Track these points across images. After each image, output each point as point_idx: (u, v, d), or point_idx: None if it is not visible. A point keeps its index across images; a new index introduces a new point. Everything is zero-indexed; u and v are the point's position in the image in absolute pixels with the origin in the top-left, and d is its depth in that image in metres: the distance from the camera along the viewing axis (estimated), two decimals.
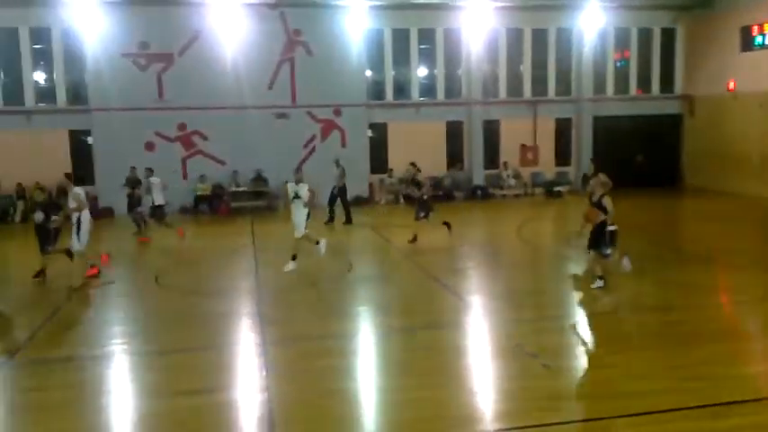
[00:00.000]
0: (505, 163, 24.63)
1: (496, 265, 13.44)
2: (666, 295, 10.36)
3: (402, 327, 9.05)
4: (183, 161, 22.15)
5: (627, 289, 10.55)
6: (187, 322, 9.46)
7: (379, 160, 23.97)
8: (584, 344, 8.34)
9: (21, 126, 21.10)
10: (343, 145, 23.24)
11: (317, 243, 12.63)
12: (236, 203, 21.83)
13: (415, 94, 24.41)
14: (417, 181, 15.47)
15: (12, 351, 8.28)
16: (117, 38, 21.13)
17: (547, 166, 25.40)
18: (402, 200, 22.45)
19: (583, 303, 10.04)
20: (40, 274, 12.03)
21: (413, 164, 16.95)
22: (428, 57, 24.53)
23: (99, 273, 12.38)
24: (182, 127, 22.06)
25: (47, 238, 11.90)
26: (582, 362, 7.62)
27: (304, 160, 22.70)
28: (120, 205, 20.48)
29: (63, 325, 9.59)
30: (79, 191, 12.32)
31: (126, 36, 21.22)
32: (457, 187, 24.31)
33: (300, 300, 10.65)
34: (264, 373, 7.22)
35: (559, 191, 24.36)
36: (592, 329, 8.85)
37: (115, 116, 21.27)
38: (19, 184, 20.82)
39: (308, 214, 12.35)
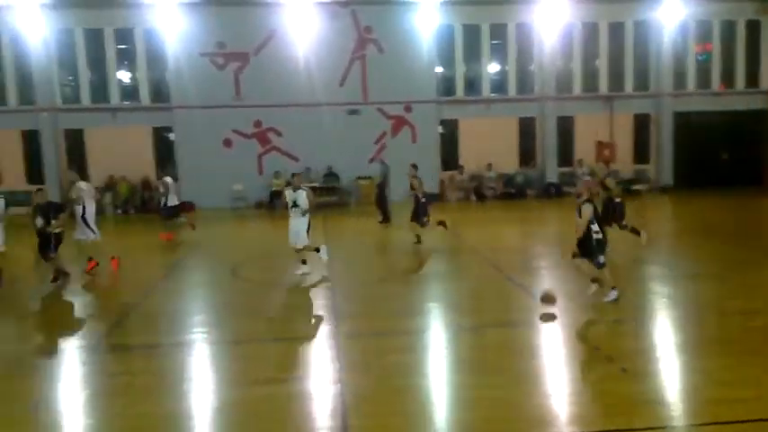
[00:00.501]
0: (580, 160, 24.05)
1: (571, 265, 13.15)
2: (752, 299, 9.88)
3: (473, 325, 8.99)
4: (259, 157, 22.73)
5: (710, 292, 10.13)
6: (263, 313, 9.71)
7: (449, 157, 23.87)
8: (665, 348, 8.06)
9: (107, 123, 22.18)
10: (414, 141, 23.28)
11: (317, 251, 12.11)
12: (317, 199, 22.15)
13: (486, 90, 24.16)
14: (411, 184, 15.22)
15: (100, 337, 8.73)
16: (196, 38, 21.87)
17: (624, 163, 24.65)
18: (474, 197, 22.29)
19: (662, 306, 9.70)
20: (58, 278, 11.56)
21: (413, 165, 16.68)
22: (500, 52, 24.23)
23: (97, 265, 12.37)
24: (257, 124, 22.63)
25: (47, 243, 11.37)
26: (663, 366, 7.35)
27: (374, 157, 22.90)
28: (202, 199, 21.29)
29: (147, 313, 10.02)
30: (82, 185, 12.65)
31: (204, 36, 21.94)
32: (529, 185, 23.93)
33: (372, 295, 10.74)
34: (337, 366, 7.33)
35: (638, 189, 23.58)
36: (672, 333, 8.55)
37: (195, 114, 22.05)
38: (110, 177, 21.89)
39: (309, 223, 11.77)
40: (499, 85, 24.42)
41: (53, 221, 11.23)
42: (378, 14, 22.71)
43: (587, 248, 9.48)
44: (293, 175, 12.14)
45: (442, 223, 15.14)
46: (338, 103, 22.60)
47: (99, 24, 22.17)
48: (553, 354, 7.92)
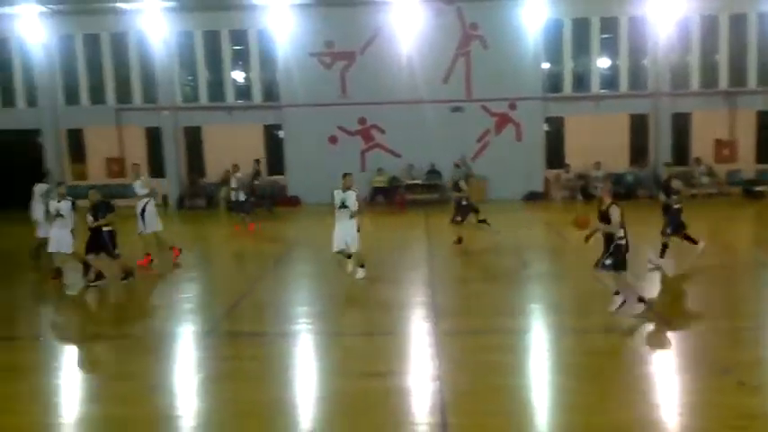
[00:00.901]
0: (697, 159, 22.73)
1: (686, 269, 12.51)
2: None
3: (577, 328, 8.78)
4: (362, 154, 23.13)
5: None
6: (366, 307, 9.93)
7: (555, 155, 23.30)
8: None
9: (223, 121, 23.31)
10: (518, 139, 22.91)
11: (362, 266, 11.36)
12: (411, 196, 22.37)
13: (595, 86, 23.35)
14: (459, 187, 14.80)
15: (213, 323, 9.25)
16: (305, 38, 22.56)
17: (746, 162, 23.07)
18: (580, 196, 21.65)
19: None
20: (100, 277, 11.46)
21: (457, 165, 16.04)
22: (610, 47, 23.34)
23: (151, 262, 13.09)
24: (362, 121, 23.04)
25: (97, 242, 11.29)
26: None
27: (477, 154, 22.76)
28: (307, 195, 21.97)
29: (256, 303, 10.50)
30: (148, 180, 13.30)
31: (313, 36, 22.58)
32: (640, 185, 22.91)
33: (474, 293, 10.71)
34: (437, 363, 7.39)
35: (761, 191, 22.00)
36: None
37: (302, 112, 22.78)
38: (226, 172, 23.02)
39: (358, 227, 11.27)
40: (609, 80, 23.53)
41: (100, 219, 11.20)
42: (484, 11, 22.49)
43: (616, 257, 8.75)
44: (344, 175, 11.50)
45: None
46: (441, 100, 22.61)
47: (216, 26, 23.33)
48: (663, 362, 7.59)
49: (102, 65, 23.61)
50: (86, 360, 8.37)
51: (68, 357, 8.51)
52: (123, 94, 23.78)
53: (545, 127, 23.24)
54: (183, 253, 13.49)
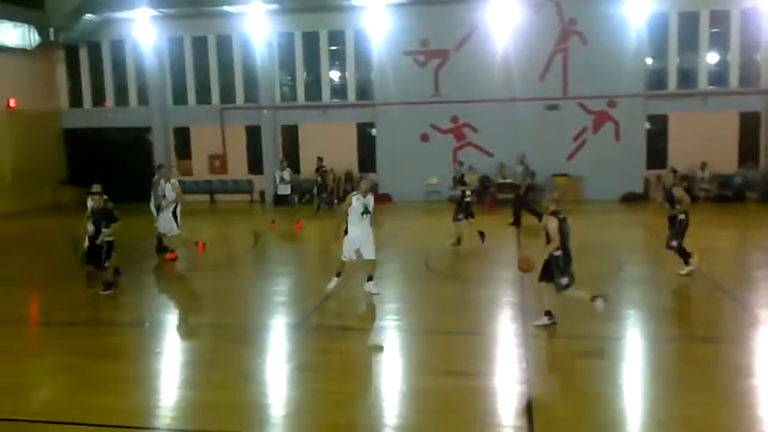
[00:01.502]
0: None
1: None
2: None
3: (675, 336, 8.40)
4: (454, 152, 23.04)
5: None
6: (453, 306, 9.91)
7: (656, 155, 22.30)
8: None
9: (318, 119, 23.89)
10: (617, 138, 22.11)
11: (369, 279, 10.43)
12: (502, 195, 22.05)
13: (702, 83, 22.16)
14: (464, 181, 14.30)
15: (304, 316, 9.53)
16: (400, 37, 22.72)
17: None
18: (659, 199, 20.60)
19: None
20: (111, 286, 10.99)
21: (461, 162, 15.41)
22: (719, 41, 22.06)
23: (177, 258, 13.42)
24: (454, 119, 22.96)
25: (98, 253, 10.69)
26: None
27: (573, 153, 22.17)
28: (398, 192, 22.15)
29: (345, 298, 10.70)
30: (175, 182, 13.42)
31: (408, 35, 22.71)
32: (749, 187, 21.54)
33: (564, 295, 10.44)
34: (525, 365, 7.28)
35: None
36: None
37: (395, 110, 22.97)
38: (317, 170, 23.61)
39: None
40: (718, 76, 22.25)
41: (104, 230, 10.54)
42: (584, 5, 21.84)
43: (550, 268, 8.29)
44: (361, 179, 11.08)
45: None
46: (536, 98, 22.15)
47: (315, 27, 23.93)
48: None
49: (207, 66, 24.77)
50: (186, 347, 8.85)
51: (170, 343, 9.02)
52: (227, 94, 24.83)
53: (646, 125, 22.28)
54: (276, 248, 13.94)
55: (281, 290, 11.63)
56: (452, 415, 6.16)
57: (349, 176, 23.83)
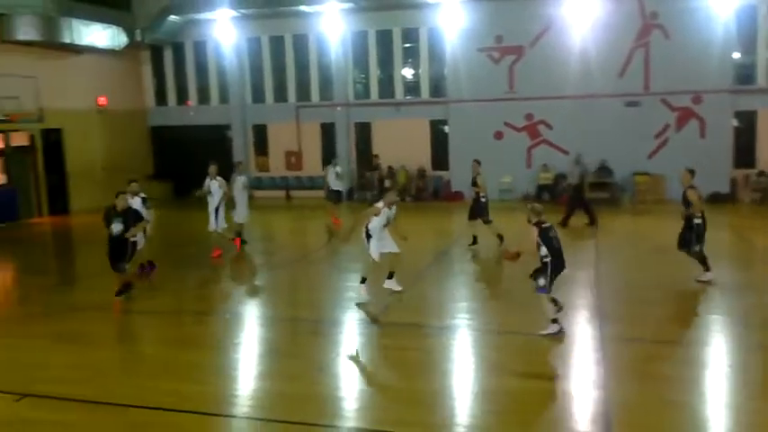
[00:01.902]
0: None
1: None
2: None
3: (762, 343, 7.99)
4: (528, 150, 22.68)
5: None
6: (526, 306, 9.76)
7: (745, 153, 21.24)
8: None
9: (391, 116, 24.02)
10: (702, 135, 21.19)
11: (391, 277, 10.43)
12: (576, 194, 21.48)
13: None
14: (476, 182, 14.02)
15: (376, 313, 9.63)
16: (474, 34, 22.52)
17: None
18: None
19: None
20: (123, 291, 10.52)
21: (477, 161, 14.75)
22: None
23: (221, 255, 13.64)
24: (529, 117, 22.58)
25: (122, 252, 10.26)
26: None
27: (655, 151, 21.41)
28: (470, 190, 21.92)
29: (418, 295, 10.75)
30: (223, 181, 13.52)
31: (482, 31, 22.48)
32: None
33: (644, 299, 10.12)
34: (602, 370, 7.11)
35: None
36: None
37: (469, 107, 22.80)
38: (389, 167, 23.78)
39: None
40: None
41: (132, 229, 10.23)
42: None
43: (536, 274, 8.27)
44: (386, 190, 11.02)
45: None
46: (615, 94, 21.47)
47: (388, 26, 24.03)
48: None
49: (284, 65, 25.33)
50: (263, 338, 9.12)
51: (248, 334, 9.32)
52: (302, 92, 25.32)
53: (734, 122, 21.25)
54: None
55: (354, 285, 11.77)
56: (525, 417, 6.10)
57: (422, 174, 23.86)
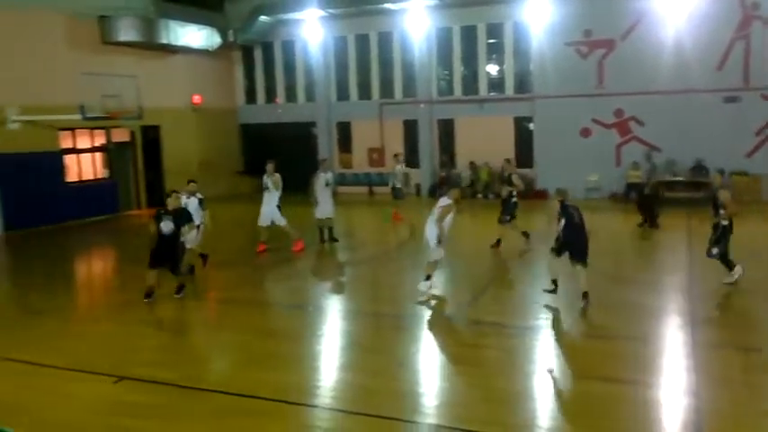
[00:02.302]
0: None
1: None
2: None
3: None
4: (617, 147, 21.93)
5: None
6: (613, 309, 9.49)
7: None
8: None
9: (474, 113, 23.83)
10: None
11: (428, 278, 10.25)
12: (671, 194, 20.64)
13: None
14: (511, 181, 13.32)
15: (458, 310, 9.61)
16: (562, 28, 21.97)
17: None
18: None
19: None
20: (150, 294, 10.14)
21: (507, 160, 13.79)
22: None
23: (302, 250, 13.90)
24: (618, 113, 21.83)
25: (172, 252, 10.05)
26: None
27: (754, 150, 20.24)
28: (555, 188, 21.42)
29: (500, 293, 10.66)
30: (278, 179, 13.60)
31: (570, 25, 21.90)
32: None
33: (740, 305, 9.63)
34: (692, 377, 6.81)
35: None
36: None
37: (555, 103, 22.29)
38: (471, 163, 23.64)
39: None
40: None
41: (183, 228, 10.06)
42: None
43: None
44: (450, 187, 10.89)
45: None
46: (712, 89, 20.41)
47: (473, 21, 23.82)
48: None
49: (369, 63, 25.60)
50: (345, 331, 9.28)
51: (330, 327, 9.52)
52: (386, 89, 25.52)
53: None
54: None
55: (436, 282, 11.78)
56: (609, 423, 5.93)
57: (445, 170, 23.60)
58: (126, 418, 6.17)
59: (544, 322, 9.06)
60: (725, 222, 10.09)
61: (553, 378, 7.11)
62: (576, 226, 9.41)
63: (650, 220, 15.89)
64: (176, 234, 9.99)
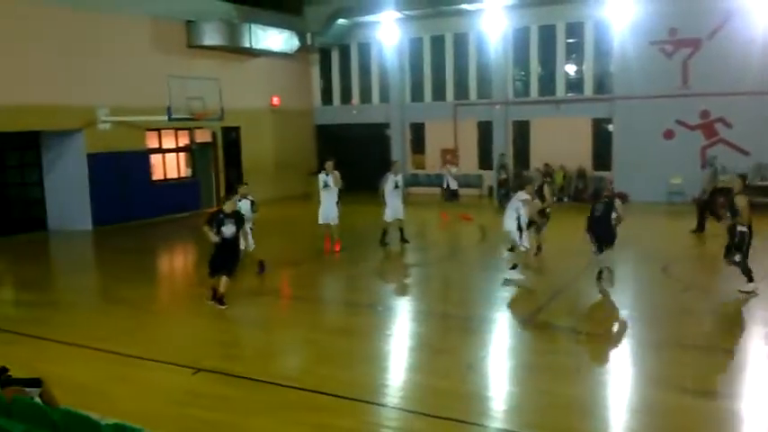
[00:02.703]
0: None
1: None
2: None
3: None
4: (702, 150, 20.98)
5: None
6: (693, 318, 9.11)
7: None
8: None
9: (551, 114, 23.36)
10: None
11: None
12: (761, 198, 19.50)
13: None
14: (542, 192, 12.62)
15: (529, 314, 9.45)
16: (646, 26, 21.23)
17: None
18: None
19: None
20: (218, 296, 9.94)
21: (539, 169, 12.91)
22: None
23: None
24: (704, 114, 20.89)
25: (234, 256, 9.97)
26: None
27: None
28: (636, 192, 20.75)
29: (572, 299, 10.40)
30: (338, 177, 13.72)
31: (655, 23, 21.12)
32: None
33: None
34: None
35: None
36: None
37: (636, 104, 21.56)
38: (546, 165, 23.17)
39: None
40: None
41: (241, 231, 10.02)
42: None
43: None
44: (526, 179, 11.55)
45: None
46: None
47: (551, 21, 23.36)
48: None
49: (444, 64, 25.54)
50: (413, 332, 9.30)
51: (399, 327, 9.56)
52: (460, 90, 25.39)
53: None
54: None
55: (509, 285, 11.64)
56: None
57: (582, 174, 22.98)
58: (200, 409, 6.40)
59: (618, 329, 8.80)
60: (743, 229, 9.74)
61: (626, 387, 6.89)
62: (596, 219, 10.41)
63: (700, 225, 15.46)
64: (237, 237, 10.00)
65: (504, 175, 21.98)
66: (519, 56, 24.29)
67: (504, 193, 21.03)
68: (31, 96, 16.61)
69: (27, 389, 5.33)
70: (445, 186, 18.77)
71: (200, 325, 9.41)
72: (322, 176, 13.99)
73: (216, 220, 9.76)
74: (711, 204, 15.57)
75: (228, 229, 9.75)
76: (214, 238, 9.64)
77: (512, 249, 11.94)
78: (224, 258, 9.78)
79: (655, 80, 21.16)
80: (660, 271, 11.97)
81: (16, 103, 16.25)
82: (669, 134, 21.35)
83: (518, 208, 11.03)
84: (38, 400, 5.14)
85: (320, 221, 14.03)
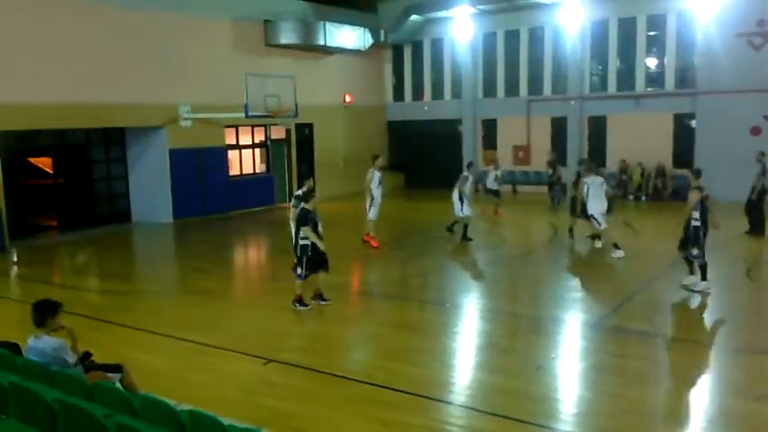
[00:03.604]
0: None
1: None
2: None
3: None
4: None
5: None
6: None
7: None
8: None
9: (629, 110, 22.63)
10: None
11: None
12: None
13: None
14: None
15: (603, 316, 9.22)
16: (732, 18, 20.24)
17: None
18: None
19: None
20: (318, 293, 10.00)
21: (623, 161, 12.03)
22: None
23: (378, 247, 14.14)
24: None
25: (324, 253, 9.63)
26: None
27: None
28: (722, 192, 19.79)
29: (648, 301, 10.08)
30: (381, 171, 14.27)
31: (742, 15, 20.12)
32: None
33: None
34: None
35: None
36: None
37: (721, 99, 20.59)
38: (623, 161, 22.50)
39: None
40: None
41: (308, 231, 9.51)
42: None
43: None
44: (591, 164, 12.94)
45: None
46: None
47: (632, 13, 22.57)
48: None
49: (517, 59, 25.15)
50: (481, 330, 9.25)
51: (467, 325, 9.53)
52: (534, 85, 24.95)
53: None
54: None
55: (578, 285, 11.41)
56: None
57: (661, 172, 22.16)
58: (272, 399, 6.60)
59: (698, 335, 8.47)
60: (696, 223, 9.72)
61: (703, 394, 6.65)
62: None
63: (755, 228, 14.59)
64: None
65: (554, 175, 21.41)
66: (596, 50, 23.63)
67: (558, 189, 20.99)
68: (117, 95, 17.45)
69: (109, 374, 5.68)
70: (488, 186, 19.18)
71: (274, 317, 9.67)
72: (378, 174, 14.41)
73: (311, 221, 9.55)
74: (756, 206, 14.72)
75: (319, 227, 9.74)
76: (317, 240, 9.45)
77: (594, 237, 13.18)
78: (321, 255, 9.64)
79: (741, 74, 20.14)
80: (744, 274, 11.44)
81: (104, 102, 17.12)
82: (756, 131, 20.28)
83: (605, 190, 12.77)
84: (119, 385, 5.46)
85: (374, 218, 14.42)
